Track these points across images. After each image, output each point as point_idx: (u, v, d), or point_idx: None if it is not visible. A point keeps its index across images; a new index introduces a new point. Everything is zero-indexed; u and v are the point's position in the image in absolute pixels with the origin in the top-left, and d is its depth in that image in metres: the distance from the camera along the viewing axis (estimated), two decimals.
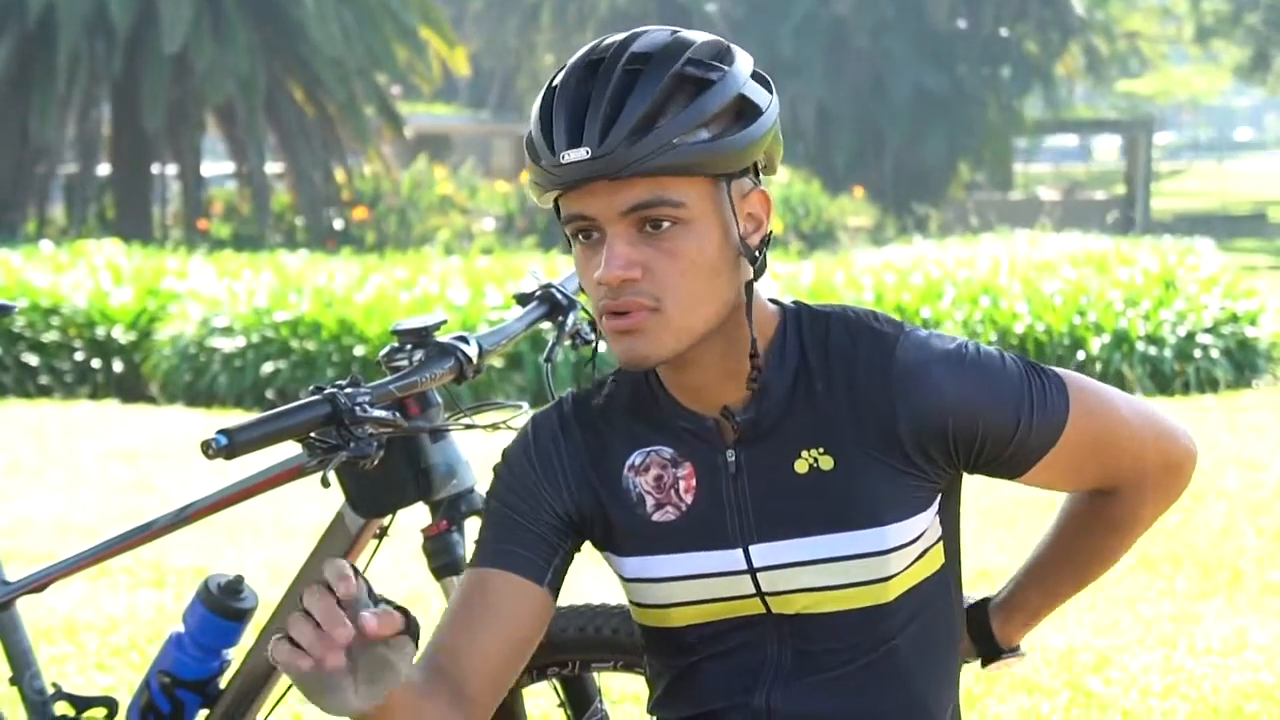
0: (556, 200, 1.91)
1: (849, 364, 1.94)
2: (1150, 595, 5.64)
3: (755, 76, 1.92)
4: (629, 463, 1.99)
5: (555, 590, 2.00)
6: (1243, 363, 11.24)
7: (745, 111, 1.89)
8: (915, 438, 1.92)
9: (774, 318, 1.97)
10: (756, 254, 1.91)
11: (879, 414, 1.92)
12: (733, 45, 1.93)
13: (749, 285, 1.92)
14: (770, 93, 1.93)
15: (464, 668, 1.93)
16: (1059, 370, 1.98)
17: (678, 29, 1.93)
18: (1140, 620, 5.32)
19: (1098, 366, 10.75)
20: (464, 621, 1.95)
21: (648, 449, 1.99)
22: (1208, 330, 11.22)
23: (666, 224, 1.86)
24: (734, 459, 1.96)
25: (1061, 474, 1.99)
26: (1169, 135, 63.07)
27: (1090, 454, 1.99)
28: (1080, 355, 10.79)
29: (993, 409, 1.92)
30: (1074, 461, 1.98)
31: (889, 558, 1.93)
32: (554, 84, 1.90)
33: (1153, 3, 40.92)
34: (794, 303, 2.00)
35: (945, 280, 11.77)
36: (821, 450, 1.94)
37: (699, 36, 1.91)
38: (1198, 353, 11.01)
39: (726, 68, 1.89)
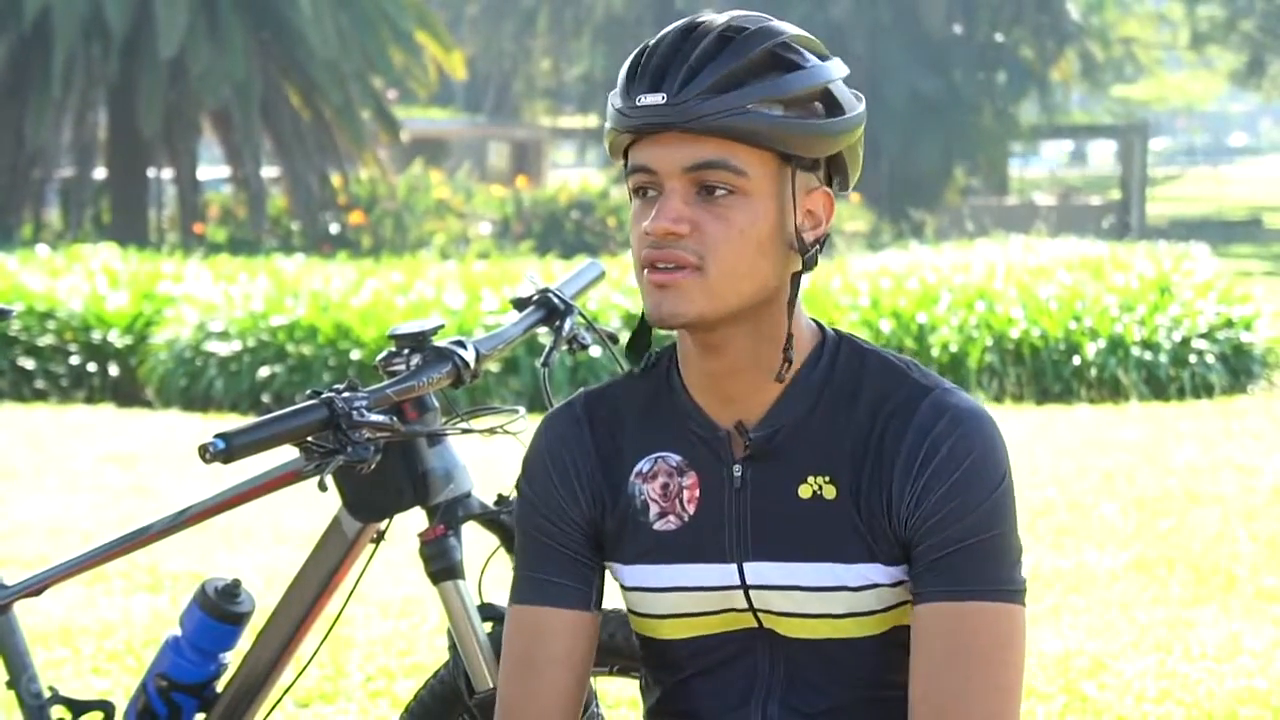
0: (628, 155, 1.92)
1: (875, 405, 1.92)
2: (1145, 600, 5.65)
3: (848, 85, 1.93)
4: (637, 469, 1.98)
5: (600, 608, 2.02)
6: (1238, 368, 11.25)
7: (827, 105, 1.90)
8: (895, 499, 1.91)
9: (813, 338, 1.96)
10: (809, 249, 1.91)
11: (883, 460, 1.91)
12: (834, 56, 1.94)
13: (795, 276, 1.91)
14: (859, 104, 1.93)
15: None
16: (1023, 590, 1.89)
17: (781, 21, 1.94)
18: (1135, 625, 5.32)
19: (1093, 372, 10.77)
20: (522, 676, 1.98)
21: (656, 455, 1.98)
22: (1203, 335, 11.23)
23: (723, 191, 1.86)
24: (740, 474, 1.94)
25: (920, 645, 1.88)
26: (1164, 141, 63.16)
27: (950, 655, 1.86)
28: (1075, 360, 10.80)
29: (954, 515, 1.88)
30: (940, 640, 1.86)
31: (879, 593, 1.92)
32: (649, 42, 1.92)
33: (1148, 8, 40.96)
34: (836, 331, 1.98)
35: (941, 285, 11.77)
36: (827, 479, 1.92)
37: (801, 31, 1.92)
38: (1193, 358, 11.02)
39: (819, 60, 1.90)
